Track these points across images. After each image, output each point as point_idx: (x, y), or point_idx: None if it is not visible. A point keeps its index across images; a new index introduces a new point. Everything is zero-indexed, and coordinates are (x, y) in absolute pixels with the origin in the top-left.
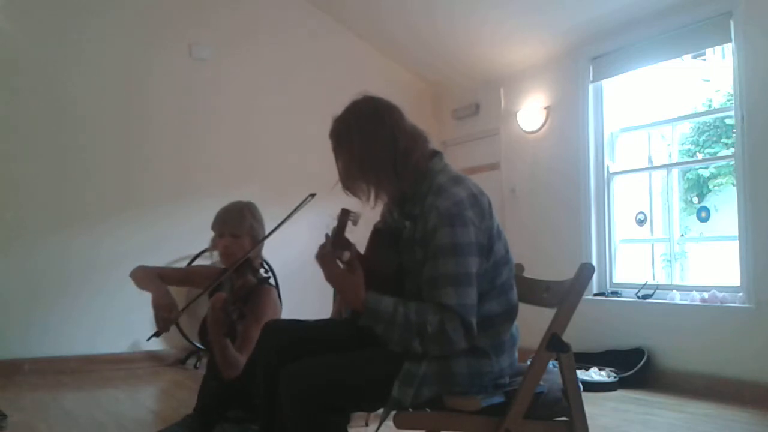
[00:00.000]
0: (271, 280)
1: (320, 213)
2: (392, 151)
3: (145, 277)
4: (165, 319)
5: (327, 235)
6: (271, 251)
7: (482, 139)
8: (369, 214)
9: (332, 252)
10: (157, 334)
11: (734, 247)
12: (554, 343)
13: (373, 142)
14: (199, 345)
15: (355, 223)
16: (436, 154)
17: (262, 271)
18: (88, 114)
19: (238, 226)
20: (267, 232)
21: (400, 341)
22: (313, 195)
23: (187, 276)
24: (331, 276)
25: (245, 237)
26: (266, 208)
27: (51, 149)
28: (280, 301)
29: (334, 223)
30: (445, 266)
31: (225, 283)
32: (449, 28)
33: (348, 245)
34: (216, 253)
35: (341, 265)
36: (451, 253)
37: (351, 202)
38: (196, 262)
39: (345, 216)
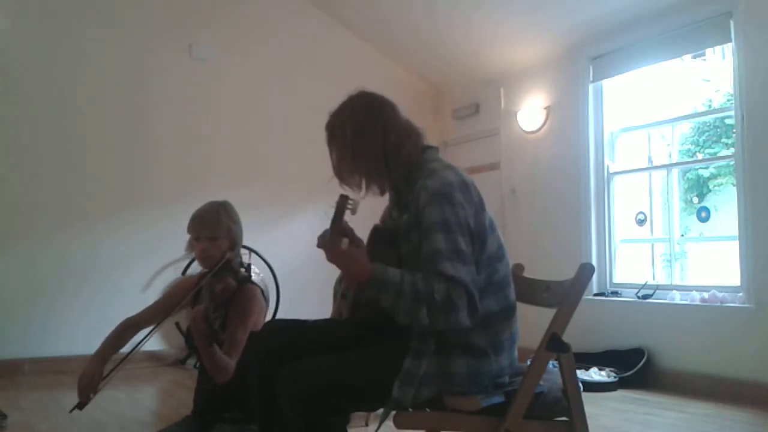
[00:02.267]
0: (255, 278)
1: (320, 213)
2: (383, 143)
3: (108, 335)
4: (83, 387)
5: (329, 225)
6: (272, 251)
7: (482, 139)
8: (369, 213)
9: (331, 239)
10: (79, 406)
11: (734, 247)
12: (554, 343)
13: (365, 134)
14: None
15: (353, 211)
16: (430, 148)
17: (242, 270)
18: (88, 114)
19: (215, 229)
20: (244, 241)
21: (409, 311)
22: (224, 259)
23: (171, 300)
24: (333, 256)
25: (223, 239)
26: (266, 208)
27: (51, 149)
28: (265, 299)
29: (333, 211)
30: (437, 242)
31: (205, 289)
32: (449, 28)
33: (347, 232)
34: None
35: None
36: (441, 229)
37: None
38: (194, 265)
39: (344, 201)
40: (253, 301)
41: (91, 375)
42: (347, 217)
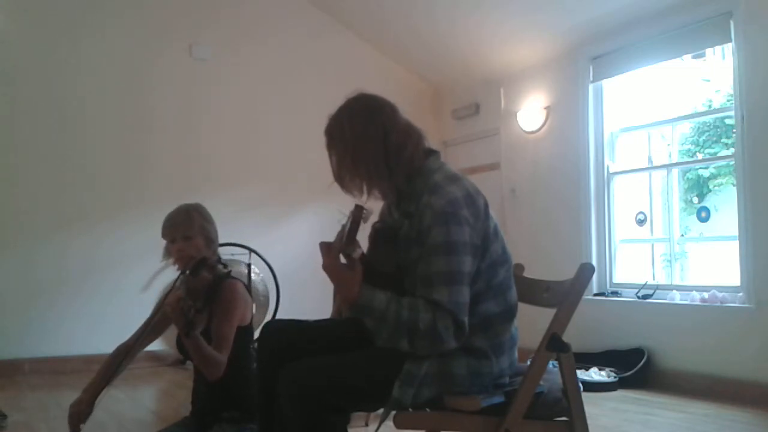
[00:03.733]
0: (255, 278)
1: (319, 213)
2: (383, 147)
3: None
4: (72, 414)
5: (339, 231)
6: (272, 251)
7: (482, 139)
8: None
9: (344, 248)
10: None
11: (734, 247)
12: (554, 343)
13: (364, 137)
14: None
15: (365, 220)
16: (432, 152)
17: (221, 267)
18: (88, 114)
19: (189, 228)
20: (216, 241)
21: (389, 339)
22: (199, 256)
23: (158, 313)
24: (328, 266)
25: (197, 237)
26: (266, 208)
27: (51, 149)
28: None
29: (345, 220)
30: (438, 264)
31: (182, 286)
32: (450, 28)
33: (358, 243)
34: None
35: (343, 260)
36: (444, 251)
37: (346, 200)
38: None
39: (359, 212)
40: (235, 295)
41: (79, 404)
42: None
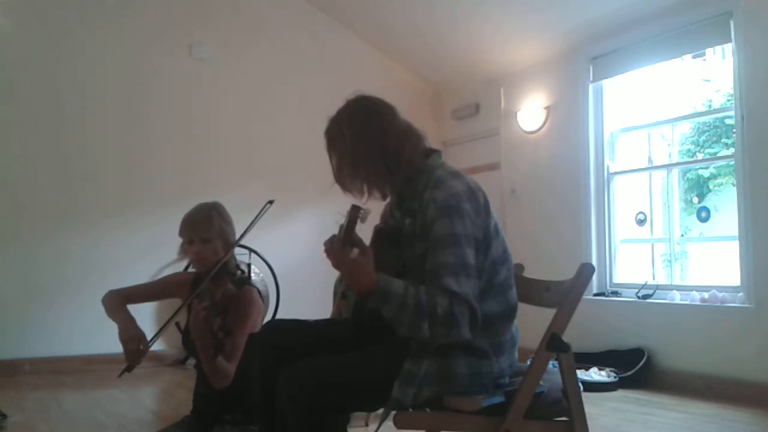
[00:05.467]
0: (254, 278)
1: (319, 214)
2: (382, 148)
3: (112, 306)
4: (134, 351)
5: (337, 232)
6: (272, 251)
7: (482, 139)
8: (370, 218)
9: (342, 249)
10: (128, 369)
11: (734, 247)
12: (554, 343)
13: (364, 138)
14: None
15: (363, 220)
16: (433, 152)
17: (239, 272)
18: (88, 114)
19: (208, 230)
20: (237, 236)
21: (411, 324)
22: (271, 202)
23: (159, 288)
24: (339, 263)
25: (216, 240)
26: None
27: (51, 149)
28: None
29: (343, 220)
30: (444, 256)
31: (204, 293)
32: (450, 29)
33: (358, 243)
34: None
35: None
36: (449, 243)
37: (346, 201)
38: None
39: (355, 212)
40: (252, 305)
41: (138, 338)
42: (357, 225)
